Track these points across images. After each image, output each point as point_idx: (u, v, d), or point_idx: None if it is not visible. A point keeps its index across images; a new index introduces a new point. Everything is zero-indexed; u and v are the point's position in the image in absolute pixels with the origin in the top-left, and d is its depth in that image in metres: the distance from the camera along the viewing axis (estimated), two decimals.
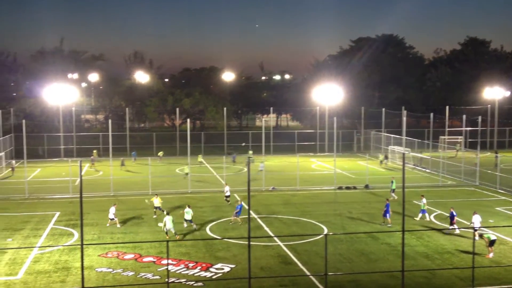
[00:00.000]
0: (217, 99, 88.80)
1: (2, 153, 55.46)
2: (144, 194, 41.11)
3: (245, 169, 51.50)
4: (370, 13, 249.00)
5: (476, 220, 28.65)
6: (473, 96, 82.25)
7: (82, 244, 19.41)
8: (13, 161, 53.07)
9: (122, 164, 54.23)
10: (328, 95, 68.95)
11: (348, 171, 52.84)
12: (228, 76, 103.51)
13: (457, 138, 65.89)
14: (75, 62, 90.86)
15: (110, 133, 46.38)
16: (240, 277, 22.72)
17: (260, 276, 23.24)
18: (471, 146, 63.24)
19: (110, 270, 24.09)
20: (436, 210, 35.63)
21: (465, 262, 25.00)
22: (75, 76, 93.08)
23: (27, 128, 47.49)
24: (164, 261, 24.58)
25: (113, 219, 31.68)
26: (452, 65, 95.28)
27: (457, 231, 29.79)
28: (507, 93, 78.39)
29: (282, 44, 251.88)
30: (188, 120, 50.54)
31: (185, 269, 24.19)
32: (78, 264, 23.77)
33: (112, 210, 31.75)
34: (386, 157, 58.88)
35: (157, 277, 23.20)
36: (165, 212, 30.79)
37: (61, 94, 65.62)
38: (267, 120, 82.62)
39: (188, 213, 31.24)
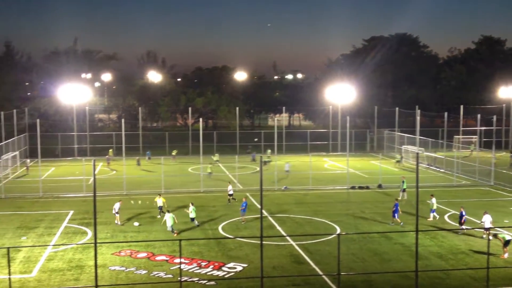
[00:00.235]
0: (230, 99, 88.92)
1: (17, 152, 55.97)
2: (156, 193, 41.20)
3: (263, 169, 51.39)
4: (384, 13, 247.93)
5: (487, 219, 28.39)
6: (488, 95, 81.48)
7: (95, 243, 19.51)
8: (28, 160, 53.51)
9: (138, 164, 54.55)
10: (341, 94, 68.68)
11: (361, 170, 52.60)
12: (241, 76, 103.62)
13: (472, 138, 65.29)
14: (88, 62, 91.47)
15: (123, 133, 46.59)
16: (253, 276, 22.69)
17: (272, 275, 23.19)
18: (486, 145, 62.64)
19: (123, 268, 24.19)
20: (450, 210, 35.33)
21: (479, 262, 24.75)
22: (89, 75, 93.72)
23: (42, 128, 47.94)
24: (177, 260, 24.63)
25: (116, 213, 31.83)
26: (467, 64, 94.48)
27: (463, 231, 29.57)
28: None
29: (295, 43, 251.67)
30: (201, 119, 50.64)
31: (198, 268, 24.22)
32: (92, 263, 23.90)
33: (117, 206, 31.88)
34: (401, 157, 58.54)
35: (170, 276, 23.25)
36: (166, 212, 30.92)
37: (75, 93, 66.09)
38: (280, 119, 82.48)
39: (193, 211, 31.49)
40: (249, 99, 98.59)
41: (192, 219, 31.54)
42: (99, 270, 20.82)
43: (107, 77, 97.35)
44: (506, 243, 25.24)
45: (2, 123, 54.98)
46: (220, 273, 23.63)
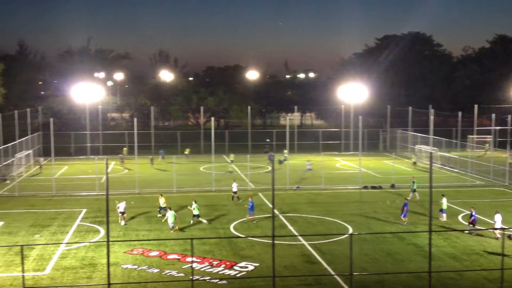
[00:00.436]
0: (241, 98, 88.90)
1: (30, 151, 56.38)
2: (168, 192, 41.35)
3: (279, 168, 51.21)
4: (397, 11, 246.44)
5: (498, 219, 28.10)
6: (502, 95, 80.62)
7: (108, 241, 19.56)
8: (41, 159, 53.84)
9: (152, 162, 54.72)
10: (354, 93, 68.37)
11: (373, 170, 52.32)
12: (252, 75, 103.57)
13: (486, 138, 64.66)
14: (101, 61, 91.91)
15: (135, 131, 46.74)
16: (264, 276, 22.64)
17: (284, 275, 23.13)
18: (501, 145, 61.99)
19: (136, 267, 24.25)
20: (464, 210, 34.98)
21: (493, 263, 24.50)
22: (102, 75, 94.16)
23: (55, 126, 48.22)
24: (189, 259, 24.66)
25: (123, 213, 31.88)
26: (481, 63, 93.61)
27: (476, 232, 29.31)
28: None
29: (307, 42, 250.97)
30: (213, 118, 50.59)
31: (210, 267, 24.21)
32: (104, 261, 24.00)
33: (122, 205, 31.93)
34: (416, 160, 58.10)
35: (182, 274, 23.26)
36: (168, 210, 31.10)
37: (88, 92, 66.46)
38: (291, 118, 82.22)
39: (196, 209, 31.52)
40: (261, 98, 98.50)
41: (197, 216, 31.67)
42: (111, 268, 20.88)
43: (119, 76, 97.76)
44: None
45: (16, 122, 55.38)
46: (232, 272, 23.60)
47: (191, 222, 31.78)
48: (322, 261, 25.24)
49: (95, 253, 26.21)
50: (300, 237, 28.89)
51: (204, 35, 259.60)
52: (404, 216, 31.75)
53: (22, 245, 21.48)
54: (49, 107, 74.29)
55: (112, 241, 26.22)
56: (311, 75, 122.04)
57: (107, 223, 20.15)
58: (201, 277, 22.85)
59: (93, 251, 26.56)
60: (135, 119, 48.30)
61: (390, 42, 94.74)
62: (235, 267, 24.20)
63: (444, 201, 32.78)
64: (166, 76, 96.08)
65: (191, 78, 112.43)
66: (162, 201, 33.76)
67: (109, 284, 19.88)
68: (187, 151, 62.46)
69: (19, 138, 54.48)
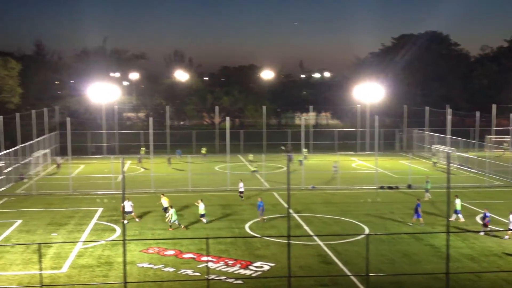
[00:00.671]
0: (257, 98, 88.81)
1: (48, 150, 56.90)
2: (184, 191, 41.45)
3: (298, 170, 51.09)
4: (413, 11, 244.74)
5: None
6: None
7: (124, 240, 19.62)
8: (58, 158, 54.25)
9: (169, 162, 54.83)
10: (370, 93, 67.95)
11: (390, 170, 51.95)
12: (267, 74, 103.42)
13: (504, 138, 63.85)
14: (117, 61, 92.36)
15: (151, 131, 46.94)
16: (280, 276, 22.56)
17: (299, 275, 23.03)
18: None
19: (151, 265, 24.33)
20: (482, 211, 34.52)
21: None
22: (117, 75, 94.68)
23: (72, 126, 48.51)
24: (204, 258, 24.67)
25: (130, 212, 32.01)
26: (499, 62, 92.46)
27: (482, 233, 28.98)
28: None
29: (322, 41, 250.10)
30: (228, 118, 50.60)
31: (225, 266, 24.20)
32: (120, 259, 24.06)
33: (128, 205, 32.05)
34: (434, 156, 57.55)
35: (197, 273, 23.28)
36: (170, 209, 31.24)
37: (104, 92, 66.89)
38: (307, 118, 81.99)
39: (201, 208, 31.61)
40: (276, 98, 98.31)
41: (203, 215, 31.69)
42: (127, 267, 20.94)
43: (135, 76, 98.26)
44: None
45: (34, 122, 55.91)
46: (247, 272, 23.56)
47: (204, 222, 31.79)
48: (338, 261, 25.10)
49: (112, 252, 26.34)
50: (315, 237, 28.76)
51: (219, 35, 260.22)
52: (418, 217, 31.47)
53: (39, 243, 21.60)
54: (66, 106, 74.89)
55: (128, 240, 26.35)
56: (327, 74, 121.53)
57: (123, 224, 20.25)
58: (217, 276, 22.84)
59: (109, 250, 26.70)
60: (150, 119, 48.49)
61: (407, 41, 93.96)
62: (250, 267, 24.16)
63: (458, 201, 32.46)
64: (181, 76, 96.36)
65: (206, 78, 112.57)
66: (164, 201, 33.62)
67: (125, 282, 19.94)
68: (204, 151, 62.59)
69: (37, 138, 55.02)
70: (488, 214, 29.44)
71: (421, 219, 31.51)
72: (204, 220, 31.86)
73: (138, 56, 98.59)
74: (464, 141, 56.88)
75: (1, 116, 46.82)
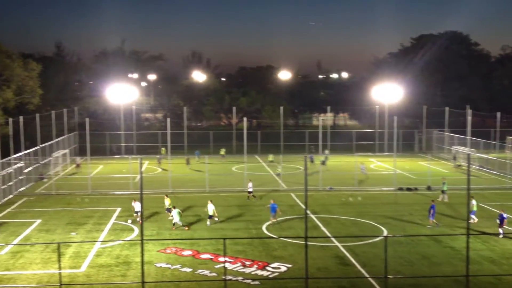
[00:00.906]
0: (274, 98, 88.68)
1: (67, 150, 57.45)
2: (201, 192, 41.52)
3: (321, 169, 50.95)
4: (433, 11, 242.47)
5: None
6: None
7: (142, 240, 19.70)
8: (78, 158, 54.69)
9: (188, 163, 54.90)
10: (388, 93, 67.43)
11: (408, 171, 51.48)
12: (285, 75, 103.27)
13: None
14: (135, 62, 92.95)
15: (168, 132, 47.10)
16: (297, 277, 22.47)
17: (317, 276, 22.90)
18: None
19: (169, 265, 24.39)
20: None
21: None
22: (136, 75, 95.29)
23: (90, 126, 48.87)
24: (221, 259, 24.67)
25: (138, 212, 32.18)
26: None
27: (501, 236, 28.54)
28: None
29: (340, 42, 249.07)
30: (245, 119, 50.54)
31: (242, 267, 24.16)
32: (138, 259, 24.19)
33: (137, 205, 32.27)
34: (454, 158, 56.90)
35: (214, 274, 23.28)
36: (172, 209, 31.31)
37: (122, 93, 67.37)
38: (324, 119, 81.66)
39: (210, 209, 31.50)
40: (293, 99, 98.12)
41: (211, 217, 31.61)
42: (145, 267, 21.03)
43: (153, 77, 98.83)
44: None
45: (53, 122, 56.50)
46: (264, 273, 23.50)
47: (208, 224, 31.72)
48: (356, 263, 24.91)
49: (130, 251, 26.47)
50: (333, 239, 28.58)
51: (237, 35, 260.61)
52: (432, 218, 31.19)
53: (59, 243, 21.76)
54: (85, 107, 75.52)
55: (146, 239, 26.46)
56: (344, 75, 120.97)
57: (142, 222, 20.34)
58: (234, 277, 22.82)
59: (127, 249, 26.83)
60: (168, 119, 48.66)
61: (426, 41, 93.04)
62: (267, 268, 24.10)
63: (474, 203, 32.05)
64: (199, 76, 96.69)
65: (223, 79, 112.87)
66: (167, 202, 33.81)
67: (143, 282, 20.02)
68: (222, 152, 62.63)
69: (56, 138, 55.58)
70: (505, 215, 28.99)
71: (433, 220, 31.21)
72: (208, 222, 31.70)
73: (156, 57, 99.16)
74: (484, 142, 56.14)
75: (22, 117, 47.35)
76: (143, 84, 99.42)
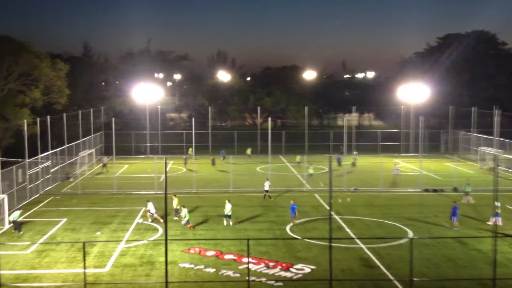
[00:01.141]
0: (299, 98, 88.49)
1: (93, 150, 58.18)
2: (225, 192, 41.59)
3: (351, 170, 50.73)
4: (459, 10, 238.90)
5: None
6: None
7: (166, 240, 19.80)
8: (105, 158, 55.28)
9: (213, 163, 54.93)
10: (414, 93, 66.63)
11: (434, 173, 50.78)
12: (310, 75, 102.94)
13: None
14: (161, 62, 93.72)
15: (193, 131, 47.37)
16: (321, 279, 22.34)
17: (341, 278, 22.73)
18: None
19: (192, 266, 24.49)
20: None
21: None
22: (161, 75, 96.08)
23: (116, 126, 49.44)
24: (245, 259, 24.65)
25: (153, 213, 32.51)
26: None
27: None
28: None
29: (365, 41, 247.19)
30: (269, 119, 50.56)
31: (265, 268, 24.12)
32: (162, 259, 24.35)
33: (151, 205, 32.62)
34: (483, 159, 55.91)
35: (238, 275, 23.28)
36: (182, 209, 31.53)
37: (148, 93, 67.96)
38: (349, 119, 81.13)
39: (228, 208, 31.50)
40: (318, 99, 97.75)
41: (228, 216, 31.58)
42: (169, 267, 21.14)
43: (178, 77, 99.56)
44: None
45: (80, 122, 57.28)
46: (288, 274, 23.41)
47: (225, 224, 31.71)
48: (380, 265, 24.66)
49: (154, 251, 26.65)
50: (357, 240, 28.34)
51: (262, 35, 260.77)
52: (455, 220, 30.74)
53: (84, 242, 22.04)
54: (111, 107, 76.40)
55: (170, 239, 26.57)
56: (370, 74, 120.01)
57: (165, 221, 20.45)
58: (257, 278, 22.79)
59: (151, 249, 27.02)
60: (193, 119, 48.91)
61: (453, 41, 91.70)
62: (291, 269, 24.01)
63: (498, 204, 31.43)
64: (224, 76, 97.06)
65: (248, 79, 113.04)
66: (175, 203, 33.87)
67: (166, 282, 20.13)
68: (249, 152, 62.69)
69: (82, 138, 56.31)
70: None
71: (456, 222, 30.78)
72: (225, 222, 31.68)
73: (182, 57, 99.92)
74: (511, 143, 55.04)
75: (49, 117, 48.10)
76: (169, 84, 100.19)
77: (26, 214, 34.80)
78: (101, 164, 54.99)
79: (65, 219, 33.42)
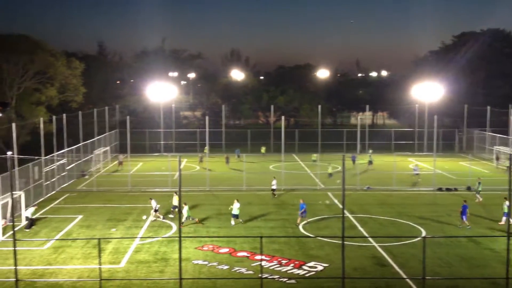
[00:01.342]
0: (312, 97, 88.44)
1: (108, 147, 58.67)
2: (238, 190, 41.79)
3: (370, 169, 50.72)
4: (475, 8, 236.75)
5: None
6: None
7: (180, 237, 20.03)
8: (121, 155, 55.70)
9: (227, 162, 54.95)
10: (428, 92, 66.29)
11: (448, 172, 50.54)
12: (323, 73, 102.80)
13: None
14: (175, 61, 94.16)
15: (207, 130, 47.57)
16: (334, 277, 22.44)
17: (354, 276, 22.82)
18: None
19: (206, 263, 24.72)
20: None
21: None
22: (175, 74, 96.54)
23: (130, 124, 49.82)
24: (258, 257, 24.83)
25: (157, 211, 32.78)
26: None
27: None
28: None
29: (379, 40, 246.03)
30: (283, 117, 50.59)
31: (278, 265, 24.28)
32: (176, 256, 24.61)
33: (154, 203, 32.91)
34: (497, 159, 55.51)
35: (251, 272, 23.46)
36: (184, 206, 31.63)
37: (162, 91, 68.37)
38: (363, 118, 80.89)
39: (236, 208, 31.50)
40: (331, 97, 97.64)
41: (236, 216, 31.59)
42: (183, 264, 21.38)
43: (192, 75, 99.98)
44: None
45: (95, 120, 57.79)
46: (301, 272, 23.55)
47: (232, 224, 31.69)
48: (393, 263, 24.70)
49: (168, 248, 26.93)
50: (370, 239, 28.39)
51: (276, 34, 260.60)
52: (465, 219, 30.66)
53: (99, 239, 22.37)
54: (125, 105, 76.94)
55: (184, 236, 26.80)
56: (384, 73, 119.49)
57: (179, 219, 20.75)
58: (270, 275, 22.95)
59: (165, 246, 27.30)
60: (207, 118, 49.11)
61: (468, 39, 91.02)
62: (304, 267, 24.14)
63: (508, 204, 31.26)
64: (237, 75, 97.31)
65: (261, 77, 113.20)
66: (175, 200, 33.96)
67: (180, 278, 20.37)
68: (263, 150, 62.74)
69: (97, 136, 56.82)
70: None
71: (463, 221, 30.71)
72: (232, 222, 31.73)
73: (195, 56, 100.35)
74: None
75: (65, 115, 48.63)
76: (183, 82, 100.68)
77: (43, 210, 35.30)
78: (116, 162, 55.43)
79: (80, 216, 33.84)
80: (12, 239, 21.09)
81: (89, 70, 67.55)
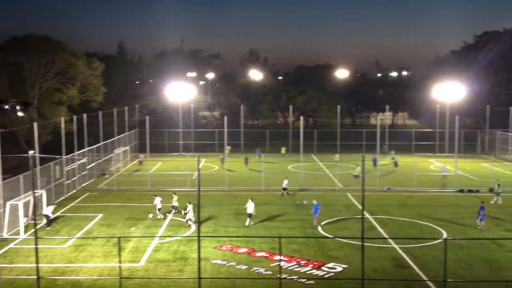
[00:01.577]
0: (331, 97, 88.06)
1: (128, 147, 59.08)
2: (256, 190, 41.73)
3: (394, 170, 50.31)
4: (496, 7, 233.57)
5: None
6: None
7: (199, 236, 20.04)
8: (141, 155, 56.01)
9: (246, 163, 54.61)
10: (449, 92, 65.50)
11: (470, 173, 49.86)
12: (342, 73, 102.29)
13: None
14: (194, 61, 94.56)
15: (225, 130, 47.60)
16: (353, 278, 22.26)
17: (373, 278, 22.61)
18: None
19: (225, 262, 24.71)
20: None
21: None
22: (194, 74, 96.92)
23: (150, 124, 50.08)
24: (277, 257, 24.75)
25: (159, 208, 33.07)
26: None
27: None
28: None
29: (400, 39, 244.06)
30: (302, 117, 50.44)
31: (297, 266, 24.17)
32: (195, 255, 24.65)
33: (158, 201, 33.17)
34: None
35: (269, 272, 23.39)
36: (188, 205, 31.56)
37: (181, 91, 68.66)
38: (383, 118, 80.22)
39: (250, 207, 31.33)
40: (351, 97, 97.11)
41: (250, 215, 31.46)
42: (202, 263, 21.40)
43: (211, 75, 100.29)
44: None
45: (115, 120, 58.22)
46: (320, 273, 23.41)
47: (246, 225, 31.51)
48: (413, 265, 24.43)
49: (187, 248, 26.99)
50: (390, 240, 28.11)
51: (295, 34, 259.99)
52: (481, 220, 30.24)
53: (119, 237, 22.51)
54: (145, 105, 77.46)
55: (203, 236, 26.90)
56: (404, 73, 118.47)
57: (198, 218, 20.75)
58: (289, 276, 22.86)
59: (184, 246, 27.37)
60: (225, 118, 49.13)
61: (490, 39, 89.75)
62: (323, 268, 24.00)
63: None
64: (256, 75, 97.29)
65: (280, 77, 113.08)
66: (175, 200, 34.43)
67: (199, 278, 20.38)
68: (283, 151, 62.57)
69: (117, 135, 57.25)
70: None
71: (482, 222, 30.28)
72: (247, 222, 31.41)
73: (214, 56, 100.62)
74: None
75: (85, 114, 49.09)
76: (201, 82, 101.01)
77: (64, 209, 35.66)
78: (137, 161, 55.77)
79: (101, 215, 34.11)
80: (33, 237, 21.30)
81: (109, 70, 68.08)
